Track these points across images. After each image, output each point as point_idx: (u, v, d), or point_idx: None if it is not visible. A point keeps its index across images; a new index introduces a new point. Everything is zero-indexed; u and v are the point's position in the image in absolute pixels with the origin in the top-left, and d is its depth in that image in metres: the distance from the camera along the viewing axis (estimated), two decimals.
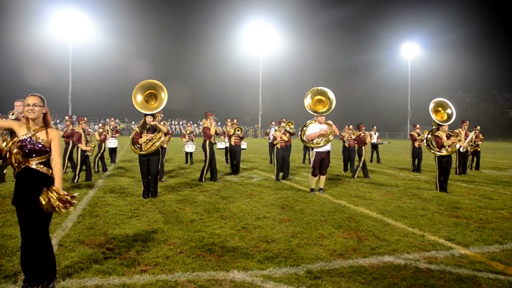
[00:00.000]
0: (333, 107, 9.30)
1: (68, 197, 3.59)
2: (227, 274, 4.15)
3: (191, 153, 16.24)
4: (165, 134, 8.54)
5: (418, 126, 15.27)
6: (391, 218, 6.76)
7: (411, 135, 15.07)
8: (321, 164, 9.25)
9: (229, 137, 13.47)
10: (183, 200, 8.14)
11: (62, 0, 57.10)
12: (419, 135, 14.74)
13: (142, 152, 8.21)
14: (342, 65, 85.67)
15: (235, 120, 14.51)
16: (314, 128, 9.22)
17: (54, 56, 60.96)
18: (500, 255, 4.91)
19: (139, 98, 8.13)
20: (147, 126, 8.29)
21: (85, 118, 11.18)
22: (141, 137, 8.28)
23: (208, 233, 5.67)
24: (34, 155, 3.63)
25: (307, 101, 9.45)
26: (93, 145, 10.91)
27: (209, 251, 4.87)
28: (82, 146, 10.55)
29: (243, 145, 15.07)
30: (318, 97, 9.48)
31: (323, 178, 9.40)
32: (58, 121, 56.62)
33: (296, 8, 78.10)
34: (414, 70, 72.99)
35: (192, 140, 16.47)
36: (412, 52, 72.39)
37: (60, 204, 3.53)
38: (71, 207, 3.64)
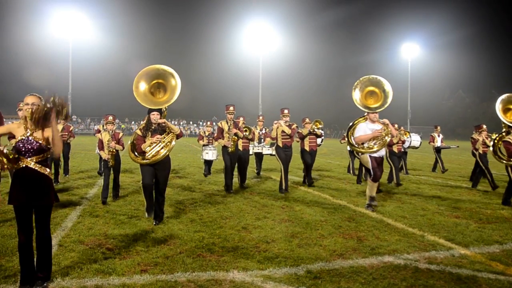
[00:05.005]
0: (389, 101, 7.39)
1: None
2: (227, 274, 4.16)
3: (211, 162, 12.39)
4: (177, 137, 6.35)
5: (484, 127, 11.09)
6: (391, 218, 6.76)
7: (472, 138, 11.21)
8: None
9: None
10: (183, 200, 8.14)
11: (62, 0, 57.14)
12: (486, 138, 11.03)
13: (145, 161, 6.15)
14: (342, 65, 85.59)
15: (241, 118, 11.06)
16: (364, 129, 7.44)
17: (54, 56, 61.02)
18: (500, 255, 4.91)
19: (142, 87, 6.07)
20: (152, 127, 6.25)
21: (110, 118, 8.25)
22: (144, 141, 6.21)
23: (208, 233, 5.67)
24: (31, 154, 3.64)
25: (356, 94, 7.54)
26: (113, 152, 7.96)
27: (209, 251, 4.87)
28: (102, 153, 8.06)
29: (268, 150, 12.71)
30: (370, 88, 7.57)
31: (376, 185, 7.58)
32: (58, 121, 56.45)
33: (296, 8, 78.20)
34: (414, 71, 72.96)
35: (213, 144, 12.53)
36: (412, 53, 72.33)
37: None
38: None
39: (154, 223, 6.11)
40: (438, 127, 15.31)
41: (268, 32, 66.05)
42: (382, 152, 7.54)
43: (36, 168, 3.66)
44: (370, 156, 7.43)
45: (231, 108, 9.19)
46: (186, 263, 4.44)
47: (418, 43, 73.04)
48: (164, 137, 6.21)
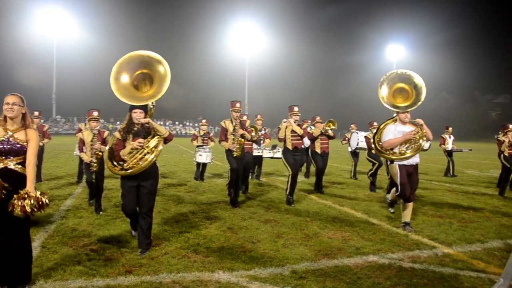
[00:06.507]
0: (422, 98, 6.23)
1: (43, 198, 3.51)
2: (213, 274, 4.14)
3: (204, 165, 11.39)
4: (165, 141, 4.94)
5: (510, 127, 10.14)
6: (376, 218, 6.82)
7: (498, 140, 10.29)
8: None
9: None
10: (168, 200, 8.09)
11: None
12: None
13: (124, 172, 4.74)
14: (329, 65, 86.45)
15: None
16: (394, 132, 6.25)
17: (38, 55, 60.30)
18: (481, 253, 4.99)
19: (123, 79, 4.75)
20: (135, 128, 4.88)
21: (94, 113, 7.14)
22: (124, 146, 4.85)
23: (193, 233, 5.65)
24: (12, 156, 3.59)
25: (384, 91, 6.43)
26: (98, 154, 6.97)
27: (194, 252, 4.85)
28: (84, 155, 7.09)
29: (279, 153, 11.17)
30: (400, 85, 6.46)
31: (410, 206, 6.25)
32: (42, 121, 55.95)
33: (282, 10, 78.50)
34: None
35: (207, 144, 11.52)
36: (397, 54, 73.35)
37: (35, 209, 3.45)
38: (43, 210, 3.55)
39: (139, 253, 4.76)
40: (450, 128, 14.09)
41: (254, 33, 66.29)
42: (416, 159, 6.21)
43: (17, 169, 3.60)
44: (400, 167, 6.17)
45: (238, 105, 7.75)
46: (171, 264, 4.41)
47: (403, 44, 74.20)
48: (148, 141, 4.82)
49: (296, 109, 8.20)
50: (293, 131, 8.05)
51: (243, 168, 8.46)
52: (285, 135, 8.14)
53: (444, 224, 6.51)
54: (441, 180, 12.55)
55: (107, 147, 6.81)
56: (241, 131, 7.65)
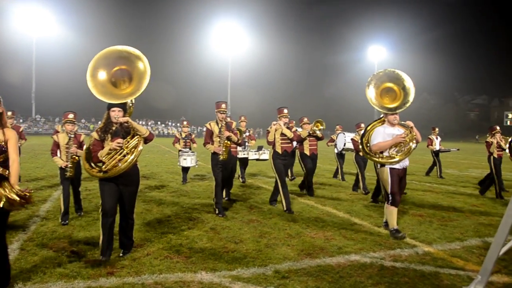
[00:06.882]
0: (410, 99, 5.98)
1: (25, 193, 3.37)
2: (195, 275, 4.13)
3: (188, 168, 11.08)
4: (145, 141, 4.75)
5: (497, 128, 9.97)
6: (358, 218, 6.88)
7: (486, 142, 10.04)
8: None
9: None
10: (150, 201, 8.03)
11: None
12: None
13: (103, 174, 4.52)
14: (310, 66, 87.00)
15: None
16: (383, 134, 5.96)
17: (16, 54, 59.08)
18: (460, 251, 5.09)
19: (101, 75, 4.50)
20: (113, 128, 4.66)
21: (69, 116, 6.55)
22: (102, 147, 4.62)
23: (176, 234, 5.62)
24: None
25: (371, 92, 6.14)
26: (75, 159, 6.43)
27: (177, 253, 4.83)
28: (58, 160, 6.43)
29: (265, 154, 11.43)
30: (388, 84, 6.16)
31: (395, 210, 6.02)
32: (21, 120, 55.14)
33: (266, 10, 78.72)
34: None
35: (190, 148, 11.35)
36: (378, 55, 74.25)
37: (17, 199, 3.31)
38: (27, 204, 3.41)
39: (121, 254, 4.73)
40: (436, 129, 14.06)
41: (237, 33, 66.28)
42: (406, 162, 5.97)
43: None
44: (391, 172, 5.84)
45: (223, 106, 7.34)
46: (154, 265, 4.38)
47: (384, 46, 75.20)
48: (128, 142, 4.60)
49: (285, 111, 7.81)
50: (282, 134, 7.67)
51: (229, 172, 8.03)
52: (274, 138, 7.73)
53: (424, 223, 6.61)
54: (422, 180, 12.74)
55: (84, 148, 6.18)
56: (227, 133, 7.20)
